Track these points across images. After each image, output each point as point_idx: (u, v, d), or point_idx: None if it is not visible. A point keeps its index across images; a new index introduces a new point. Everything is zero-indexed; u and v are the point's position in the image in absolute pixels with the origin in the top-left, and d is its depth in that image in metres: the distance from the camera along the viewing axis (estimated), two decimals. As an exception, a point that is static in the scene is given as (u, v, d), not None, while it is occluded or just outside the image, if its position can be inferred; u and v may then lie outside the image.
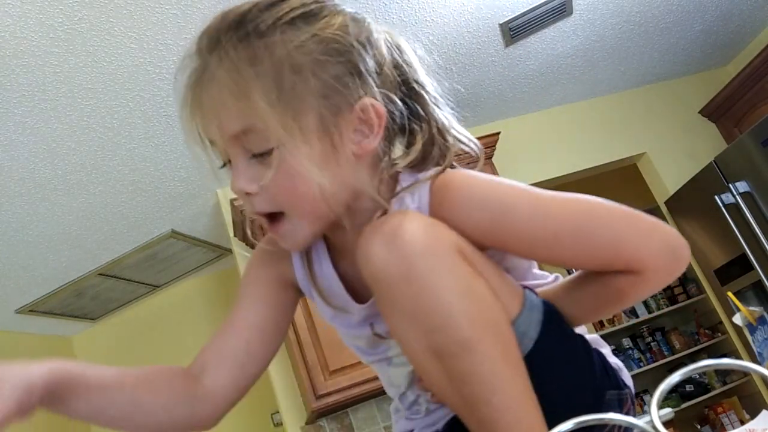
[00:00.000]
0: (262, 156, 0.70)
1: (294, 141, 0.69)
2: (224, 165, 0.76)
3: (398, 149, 0.80)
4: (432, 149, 0.78)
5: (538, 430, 0.65)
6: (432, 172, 0.75)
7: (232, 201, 2.90)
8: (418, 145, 0.76)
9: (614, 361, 0.82)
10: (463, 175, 0.75)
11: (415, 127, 0.77)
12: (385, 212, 0.74)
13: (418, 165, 0.77)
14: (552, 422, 0.61)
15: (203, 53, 0.73)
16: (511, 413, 0.65)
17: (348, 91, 0.71)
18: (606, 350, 0.83)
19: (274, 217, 0.74)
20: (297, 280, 0.85)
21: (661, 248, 0.69)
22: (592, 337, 0.82)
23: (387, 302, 0.68)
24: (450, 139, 0.79)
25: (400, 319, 0.67)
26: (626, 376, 0.82)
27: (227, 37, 0.72)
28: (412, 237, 0.65)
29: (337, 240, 0.83)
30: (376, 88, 0.72)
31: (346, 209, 0.75)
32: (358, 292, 0.82)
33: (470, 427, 0.68)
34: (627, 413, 0.78)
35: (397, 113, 0.75)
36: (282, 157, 0.69)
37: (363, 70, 0.72)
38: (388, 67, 0.76)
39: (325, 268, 0.84)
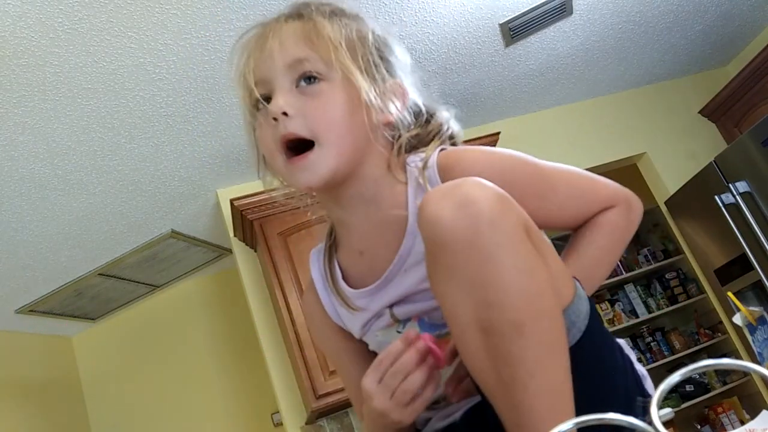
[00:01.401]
0: (308, 83, 0.79)
1: (344, 76, 0.79)
2: (260, 103, 0.81)
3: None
4: (426, 136, 0.88)
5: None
6: (435, 146, 0.84)
7: (232, 201, 2.90)
8: (415, 129, 0.87)
9: (639, 368, 0.82)
10: (465, 147, 0.86)
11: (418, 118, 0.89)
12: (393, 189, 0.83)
13: (417, 147, 0.87)
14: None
15: (281, 19, 0.84)
16: (546, 402, 0.64)
17: (388, 70, 0.85)
18: (633, 357, 0.82)
19: (299, 149, 0.79)
20: (331, 315, 0.92)
21: (620, 187, 0.92)
22: (621, 342, 0.82)
23: (444, 267, 0.66)
24: (442, 127, 0.90)
25: (454, 287, 0.65)
26: (650, 385, 0.82)
27: (308, 10, 0.84)
28: (485, 205, 0.64)
29: (339, 232, 0.89)
30: (404, 77, 0.87)
31: (353, 168, 0.80)
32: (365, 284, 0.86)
33: (499, 409, 0.67)
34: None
35: (413, 107, 0.87)
36: (324, 89, 0.79)
37: (395, 63, 0.87)
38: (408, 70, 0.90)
39: (338, 276, 0.89)
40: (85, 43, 2.07)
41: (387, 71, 0.84)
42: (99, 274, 3.51)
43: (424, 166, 0.81)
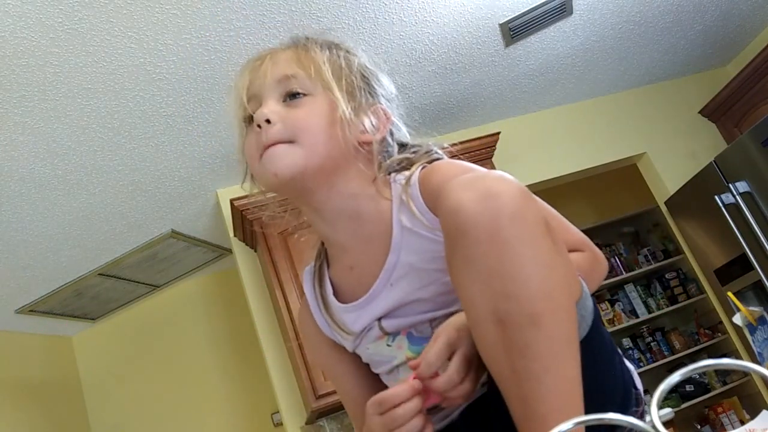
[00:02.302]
0: (293, 98, 0.86)
1: (324, 91, 0.86)
2: (249, 117, 0.87)
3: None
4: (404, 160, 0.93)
5: (577, 416, 0.65)
6: (418, 166, 0.87)
7: (232, 201, 2.90)
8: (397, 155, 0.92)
9: (627, 363, 0.85)
10: (444, 161, 0.89)
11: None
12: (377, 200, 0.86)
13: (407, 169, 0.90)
14: (587, 411, 0.62)
15: (280, 47, 0.93)
16: (558, 395, 0.64)
17: (371, 94, 0.91)
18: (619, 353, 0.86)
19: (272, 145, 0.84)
20: (324, 332, 0.95)
21: (590, 241, 0.92)
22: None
23: (465, 257, 0.67)
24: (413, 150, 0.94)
25: (473, 277, 0.66)
26: (637, 378, 0.85)
27: (302, 40, 0.93)
28: (507, 198, 0.66)
29: (330, 252, 0.94)
30: (388, 105, 0.93)
31: (325, 176, 0.85)
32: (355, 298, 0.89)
33: (510, 402, 0.68)
34: (642, 413, 0.79)
35: (395, 134, 0.93)
36: (306, 101, 0.86)
37: (379, 91, 0.93)
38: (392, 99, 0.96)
39: (328, 292, 0.92)
40: (85, 43, 2.07)
41: (369, 95, 0.91)
42: (99, 274, 3.51)
43: (407, 183, 0.84)
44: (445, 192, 0.69)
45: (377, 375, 0.94)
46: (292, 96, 0.86)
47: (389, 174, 0.89)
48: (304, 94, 0.86)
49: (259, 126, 0.84)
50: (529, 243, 0.65)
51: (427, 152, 0.92)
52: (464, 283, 0.68)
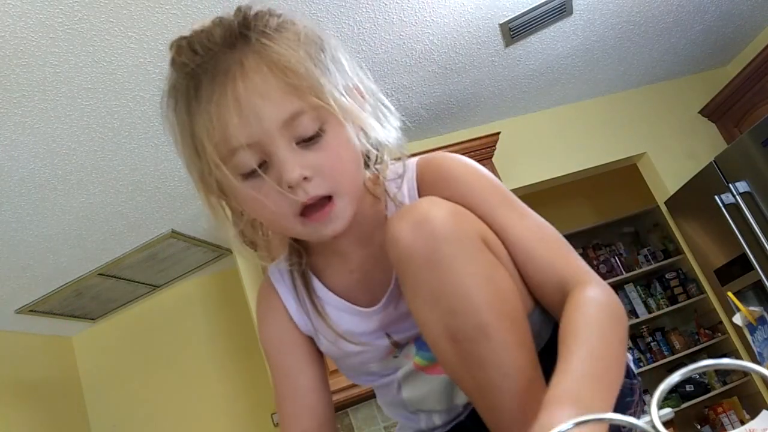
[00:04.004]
0: (309, 141, 0.71)
1: (342, 114, 0.71)
2: (255, 169, 0.70)
3: None
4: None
5: None
6: (411, 161, 0.83)
7: (232, 201, 2.90)
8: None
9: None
10: (443, 154, 0.83)
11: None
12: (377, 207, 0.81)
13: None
14: None
15: (222, 54, 0.71)
16: (521, 400, 0.66)
17: (341, 72, 0.76)
18: None
19: (317, 204, 0.73)
20: (300, 326, 0.88)
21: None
22: None
23: (410, 284, 0.69)
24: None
25: (422, 301, 0.69)
26: (632, 368, 0.83)
27: (252, 32, 0.72)
28: (439, 222, 0.67)
29: (318, 260, 0.86)
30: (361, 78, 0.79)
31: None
32: (359, 302, 0.84)
33: (481, 413, 0.70)
34: (637, 402, 0.79)
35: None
36: (328, 140, 0.71)
37: (346, 64, 0.78)
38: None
39: (322, 295, 0.85)
40: (85, 43, 2.07)
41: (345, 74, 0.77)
42: (99, 274, 3.51)
43: (402, 179, 0.82)
44: (386, 227, 0.71)
45: (323, 368, 0.91)
46: (308, 138, 0.71)
47: (373, 166, 0.83)
48: (322, 131, 0.71)
49: (289, 186, 0.70)
50: (466, 260, 0.67)
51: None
52: (415, 308, 0.70)
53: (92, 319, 4.07)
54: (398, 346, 0.84)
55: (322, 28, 0.77)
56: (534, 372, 0.67)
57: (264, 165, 0.71)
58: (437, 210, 0.69)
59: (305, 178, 0.70)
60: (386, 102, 0.80)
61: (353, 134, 0.74)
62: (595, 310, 0.67)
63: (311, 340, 0.89)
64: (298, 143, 0.70)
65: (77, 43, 2.06)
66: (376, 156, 0.81)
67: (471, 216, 0.72)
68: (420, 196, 0.81)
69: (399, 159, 0.82)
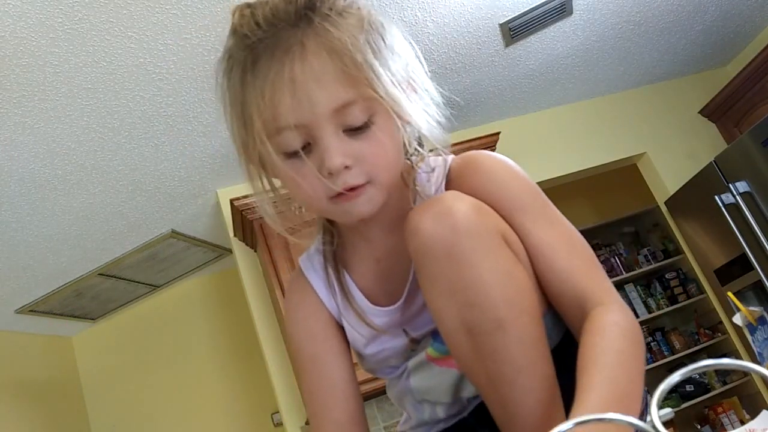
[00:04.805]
0: (356, 130, 0.70)
1: (383, 104, 0.70)
2: (297, 151, 0.71)
3: None
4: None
5: (557, 417, 0.66)
6: (447, 158, 0.83)
7: (232, 201, 2.90)
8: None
9: None
10: (481, 151, 0.83)
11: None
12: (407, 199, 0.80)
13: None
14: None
15: (284, 31, 0.69)
16: (534, 396, 0.66)
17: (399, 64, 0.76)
18: None
19: (352, 188, 0.73)
20: (330, 309, 0.88)
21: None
22: None
23: (428, 276, 0.70)
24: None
25: (439, 292, 0.69)
26: None
27: (317, 14, 0.70)
28: (461, 215, 0.68)
29: (347, 248, 0.86)
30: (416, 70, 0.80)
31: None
32: (380, 300, 0.84)
33: (491, 407, 0.70)
34: (643, 411, 0.79)
35: None
36: (375, 131, 0.71)
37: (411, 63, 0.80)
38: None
39: (350, 289, 0.86)
40: (85, 43, 2.07)
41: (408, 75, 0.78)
42: (99, 274, 3.51)
43: (429, 176, 0.83)
44: (406, 219, 0.71)
45: (351, 359, 0.91)
46: (356, 128, 0.71)
47: (409, 157, 0.83)
48: (370, 122, 0.71)
49: (330, 173, 0.70)
50: (486, 254, 0.67)
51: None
52: (431, 299, 0.71)
53: (92, 319, 4.07)
54: (415, 342, 0.84)
55: (387, 14, 0.76)
56: (548, 369, 0.68)
57: (307, 147, 0.71)
58: (459, 204, 0.69)
59: (346, 167, 0.70)
60: (436, 96, 0.79)
61: (400, 126, 0.74)
62: (616, 336, 0.66)
63: (341, 331, 0.89)
64: (345, 131, 0.70)
65: (77, 43, 2.06)
66: (415, 148, 0.82)
67: (492, 213, 0.72)
68: (447, 189, 0.80)
69: (432, 151, 0.83)
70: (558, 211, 0.79)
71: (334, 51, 0.68)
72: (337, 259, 0.87)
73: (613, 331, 0.67)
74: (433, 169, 0.83)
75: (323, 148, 0.70)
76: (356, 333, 0.87)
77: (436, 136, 0.77)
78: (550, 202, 0.79)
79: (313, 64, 0.68)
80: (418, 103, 0.76)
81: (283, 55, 0.68)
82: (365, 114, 0.70)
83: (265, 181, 0.79)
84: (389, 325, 0.84)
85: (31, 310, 3.58)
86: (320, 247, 0.88)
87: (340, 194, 0.72)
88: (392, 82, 0.70)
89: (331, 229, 0.88)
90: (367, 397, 2.83)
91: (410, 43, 0.79)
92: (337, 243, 0.87)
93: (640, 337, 0.69)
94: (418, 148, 0.82)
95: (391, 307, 0.83)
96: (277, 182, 0.79)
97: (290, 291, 0.92)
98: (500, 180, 0.78)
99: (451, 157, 0.84)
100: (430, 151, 0.83)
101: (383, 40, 0.72)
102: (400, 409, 0.93)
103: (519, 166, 0.83)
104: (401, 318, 0.83)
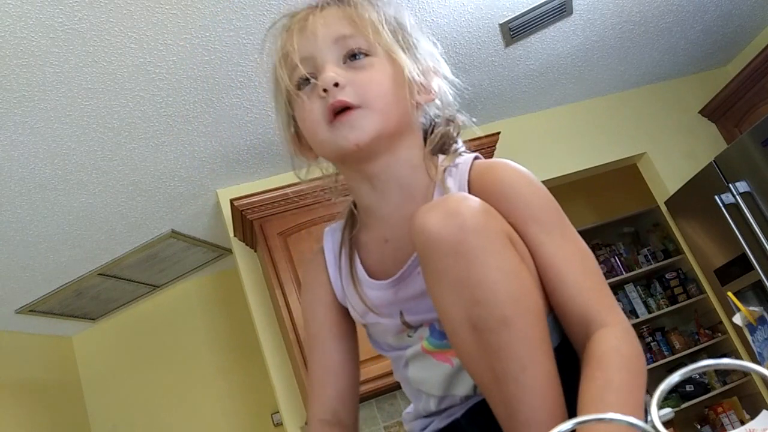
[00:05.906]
0: (354, 59, 0.82)
1: (386, 55, 0.82)
2: (304, 82, 0.83)
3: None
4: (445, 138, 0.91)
5: (559, 415, 0.66)
6: (469, 157, 0.87)
7: (232, 201, 2.90)
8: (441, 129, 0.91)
9: None
10: (504, 162, 0.85)
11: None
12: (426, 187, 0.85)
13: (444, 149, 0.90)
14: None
15: (317, 7, 0.85)
16: (537, 394, 0.67)
17: (424, 54, 0.89)
18: None
19: (344, 111, 0.80)
20: (335, 290, 0.93)
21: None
22: None
23: (434, 272, 0.71)
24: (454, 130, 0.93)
25: (444, 289, 0.70)
26: None
27: (345, 4, 0.85)
28: (469, 215, 0.69)
29: (362, 229, 0.91)
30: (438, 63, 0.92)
31: (393, 141, 0.83)
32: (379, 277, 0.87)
33: (493, 405, 0.70)
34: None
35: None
36: (371, 62, 0.82)
37: (429, 50, 0.92)
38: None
39: (357, 265, 0.89)
40: (85, 43, 2.07)
41: (421, 53, 0.88)
42: (99, 274, 3.51)
43: (455, 169, 0.86)
44: (413, 215, 0.73)
45: (356, 348, 0.97)
46: (352, 57, 0.82)
47: (434, 150, 0.88)
48: (366, 55, 0.82)
49: (324, 90, 0.79)
50: (492, 252, 0.69)
51: (458, 130, 0.93)
52: (437, 296, 0.72)
53: (92, 319, 4.07)
54: (410, 327, 0.86)
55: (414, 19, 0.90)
56: (551, 367, 0.69)
57: (314, 76, 0.82)
58: (467, 204, 0.71)
59: (337, 84, 0.79)
60: (451, 97, 0.91)
61: (403, 81, 0.82)
62: (617, 368, 0.68)
63: (344, 315, 0.94)
64: (344, 62, 0.81)
65: (77, 43, 2.06)
66: (446, 139, 0.89)
67: (498, 215, 0.74)
68: (469, 190, 0.83)
69: (443, 145, 0.89)
70: (574, 230, 0.81)
71: (347, 6, 0.84)
72: (352, 240, 0.92)
73: (614, 362, 0.69)
74: (454, 165, 0.86)
75: (321, 71, 0.81)
76: (355, 303, 0.90)
77: (443, 97, 0.89)
78: (567, 220, 0.81)
79: (325, 14, 0.83)
80: (419, 63, 0.86)
81: (307, 12, 0.85)
82: (364, 48, 0.82)
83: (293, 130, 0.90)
84: (381, 300, 0.86)
85: (31, 310, 3.58)
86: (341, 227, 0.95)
87: (336, 117, 0.79)
88: (391, 37, 0.82)
89: (354, 213, 0.93)
90: (367, 397, 2.83)
91: (434, 42, 0.93)
92: (357, 228, 0.93)
93: (641, 365, 0.72)
94: (452, 140, 0.89)
95: (383, 282, 0.85)
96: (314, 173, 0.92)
97: (306, 270, 1.00)
98: (520, 189, 0.80)
99: (470, 156, 0.87)
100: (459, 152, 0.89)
101: (398, 19, 0.86)
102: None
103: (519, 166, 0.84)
104: (394, 297, 0.84)
